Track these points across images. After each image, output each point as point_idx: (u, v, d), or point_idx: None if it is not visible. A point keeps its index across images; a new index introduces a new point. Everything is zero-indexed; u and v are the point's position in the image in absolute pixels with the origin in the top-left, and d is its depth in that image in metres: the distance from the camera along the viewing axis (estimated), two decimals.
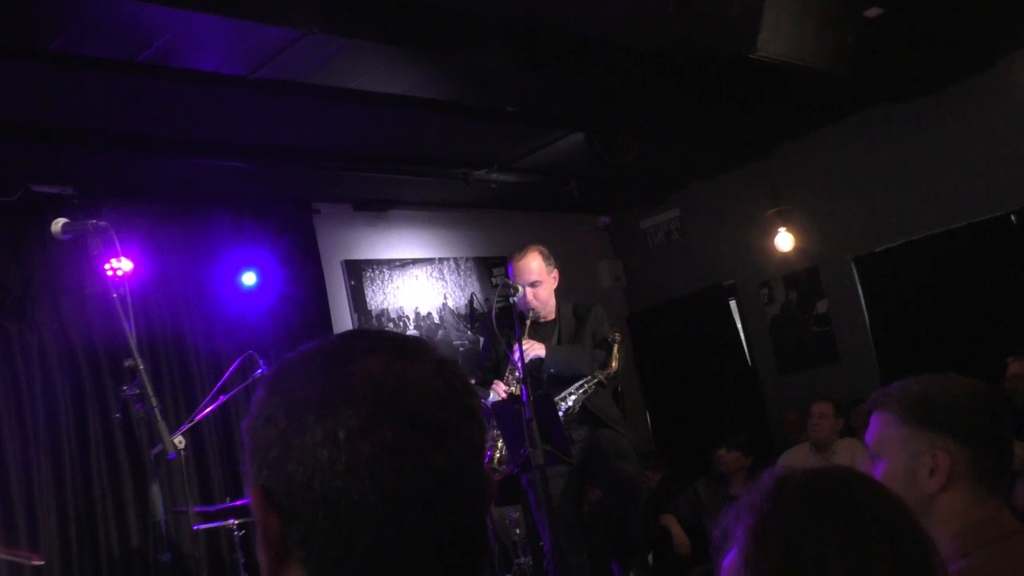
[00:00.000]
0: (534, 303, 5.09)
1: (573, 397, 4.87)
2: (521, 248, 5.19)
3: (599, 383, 4.90)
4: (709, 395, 8.99)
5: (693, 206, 9.23)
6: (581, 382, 4.91)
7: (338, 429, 0.93)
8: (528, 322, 5.05)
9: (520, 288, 5.01)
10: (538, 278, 5.08)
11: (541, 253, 5.15)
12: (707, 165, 8.69)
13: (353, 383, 0.96)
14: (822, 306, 8.45)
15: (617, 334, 5.06)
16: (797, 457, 6.60)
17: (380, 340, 1.04)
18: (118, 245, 3.67)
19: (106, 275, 3.68)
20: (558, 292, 5.28)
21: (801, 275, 8.54)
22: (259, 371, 4.96)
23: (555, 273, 5.19)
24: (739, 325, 9.08)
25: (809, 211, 8.34)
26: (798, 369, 8.59)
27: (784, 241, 8.41)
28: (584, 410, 4.97)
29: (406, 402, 0.96)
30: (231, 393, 5.08)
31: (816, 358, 8.47)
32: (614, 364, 4.93)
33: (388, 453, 0.93)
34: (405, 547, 0.94)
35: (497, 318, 5.17)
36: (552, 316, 5.24)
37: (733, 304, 9.12)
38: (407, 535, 0.94)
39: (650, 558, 5.84)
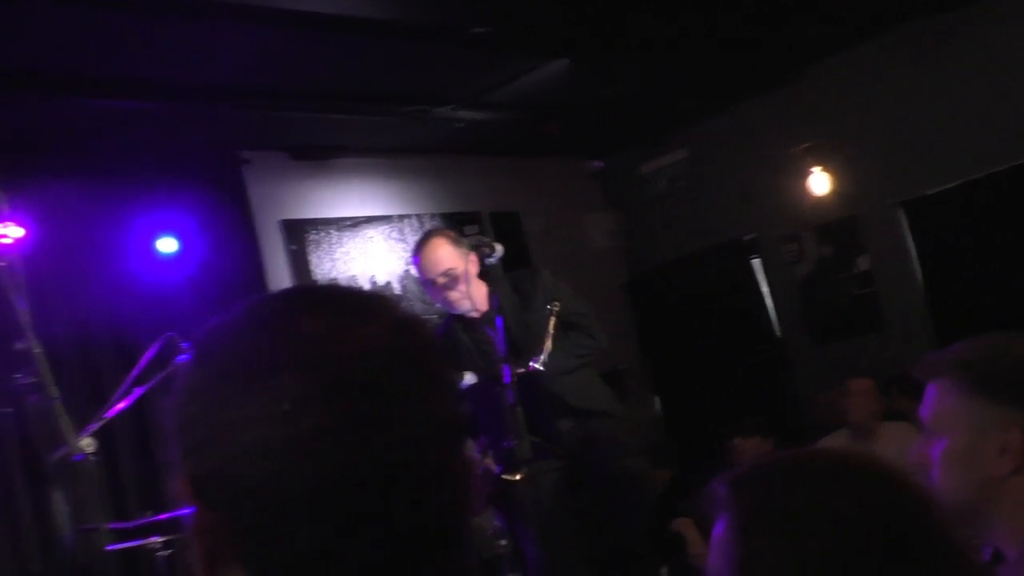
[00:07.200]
0: (457, 299, 5.03)
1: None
2: (423, 237, 5.14)
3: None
4: (729, 374, 9.03)
5: (704, 145, 9.22)
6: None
7: (271, 403, 0.93)
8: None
9: (497, 247, 4.91)
10: (451, 266, 5.00)
11: (448, 238, 5.07)
12: (721, 94, 8.65)
13: (290, 348, 0.97)
14: (863, 263, 8.48)
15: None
16: (833, 445, 6.63)
17: (325, 296, 1.06)
18: (4, 206, 3.65)
19: None
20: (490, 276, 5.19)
21: (837, 225, 8.56)
22: (182, 356, 4.92)
23: (473, 256, 4.96)
24: (763, 288, 9.11)
25: (846, 147, 8.31)
26: (835, 339, 8.63)
27: (818, 184, 8.41)
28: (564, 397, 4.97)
29: (354, 368, 0.96)
30: (148, 385, 5.04)
31: (857, 326, 8.52)
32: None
33: (331, 430, 0.93)
34: (356, 544, 0.94)
35: None
36: (485, 306, 5.10)
37: (755, 263, 9.15)
38: (357, 529, 0.94)
39: (664, 571, 5.88)
